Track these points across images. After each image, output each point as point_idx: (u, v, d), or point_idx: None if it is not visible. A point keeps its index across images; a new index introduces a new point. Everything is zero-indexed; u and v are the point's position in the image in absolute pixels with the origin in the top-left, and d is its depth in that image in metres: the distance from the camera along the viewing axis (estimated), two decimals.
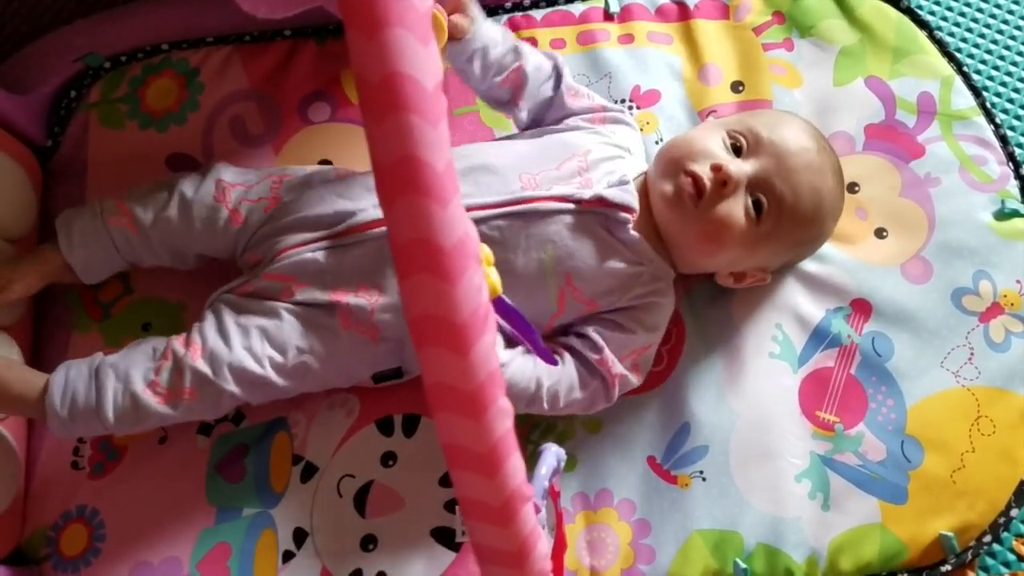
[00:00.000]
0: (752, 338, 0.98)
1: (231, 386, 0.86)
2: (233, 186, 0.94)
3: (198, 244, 0.94)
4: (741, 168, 0.88)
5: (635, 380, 0.92)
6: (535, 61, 0.97)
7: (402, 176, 0.44)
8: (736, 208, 0.88)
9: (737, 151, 0.91)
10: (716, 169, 0.87)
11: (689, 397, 0.96)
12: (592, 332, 0.90)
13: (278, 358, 0.87)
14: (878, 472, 0.93)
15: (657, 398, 0.97)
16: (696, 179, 0.87)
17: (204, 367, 0.85)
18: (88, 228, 0.92)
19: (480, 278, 0.46)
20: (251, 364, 0.86)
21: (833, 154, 0.95)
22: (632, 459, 0.95)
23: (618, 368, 0.90)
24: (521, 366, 0.87)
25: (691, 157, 0.89)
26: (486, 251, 0.60)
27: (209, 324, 0.88)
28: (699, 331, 0.99)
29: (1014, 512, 0.92)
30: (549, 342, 0.92)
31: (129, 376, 0.85)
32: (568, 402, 0.90)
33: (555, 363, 0.78)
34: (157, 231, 0.93)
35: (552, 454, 0.62)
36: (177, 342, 0.87)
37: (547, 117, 1.00)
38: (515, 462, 0.48)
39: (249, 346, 0.86)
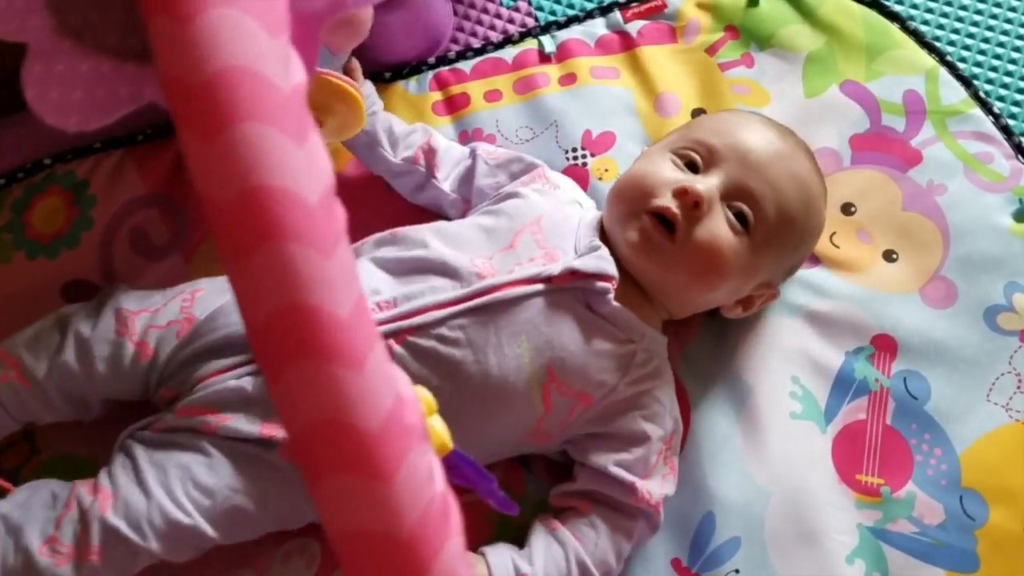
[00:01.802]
0: (768, 398, 0.85)
1: (150, 542, 0.71)
2: (136, 313, 0.80)
3: (103, 388, 0.80)
4: (707, 183, 0.77)
5: (673, 483, 0.80)
6: (443, 140, 0.93)
7: (287, 334, 0.29)
8: (718, 226, 0.76)
9: (693, 168, 0.79)
10: (681, 193, 0.76)
11: (707, 480, 0.83)
12: (613, 469, 0.77)
13: (205, 501, 0.72)
14: (939, 538, 0.81)
15: None
16: (662, 212, 0.76)
17: (116, 520, 0.70)
18: None
19: (427, 459, 0.32)
20: (174, 511, 0.71)
21: (794, 134, 0.84)
22: (654, 567, 0.81)
23: (656, 490, 0.77)
24: (551, 558, 0.76)
25: (647, 193, 0.78)
26: (425, 395, 0.44)
27: (120, 467, 0.74)
28: (705, 399, 0.86)
29: None
30: (564, 498, 0.79)
31: (23, 531, 0.70)
32: (620, 559, 0.78)
33: (515, 511, 0.61)
34: (53, 380, 0.78)
35: None
36: (83, 488, 0.73)
37: (474, 193, 0.88)
38: None
39: (170, 489, 0.72)
